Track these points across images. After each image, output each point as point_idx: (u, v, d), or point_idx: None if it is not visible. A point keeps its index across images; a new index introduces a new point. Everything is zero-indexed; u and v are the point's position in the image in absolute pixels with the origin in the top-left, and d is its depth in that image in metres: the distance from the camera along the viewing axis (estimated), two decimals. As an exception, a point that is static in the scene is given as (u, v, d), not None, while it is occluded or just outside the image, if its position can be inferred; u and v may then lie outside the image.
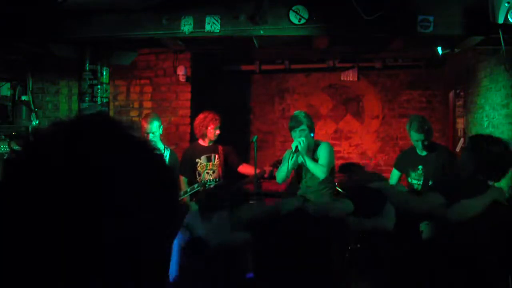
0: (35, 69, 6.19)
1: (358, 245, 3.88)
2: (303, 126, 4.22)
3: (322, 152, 4.25)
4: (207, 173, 4.94)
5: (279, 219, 3.07)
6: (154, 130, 4.78)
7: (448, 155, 4.65)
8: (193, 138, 6.37)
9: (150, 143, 0.71)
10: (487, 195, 2.86)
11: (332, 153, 4.32)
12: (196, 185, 4.75)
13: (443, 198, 2.90)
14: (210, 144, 4.99)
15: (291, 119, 4.35)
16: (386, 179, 5.26)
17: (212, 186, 4.77)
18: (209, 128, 4.91)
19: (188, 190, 4.76)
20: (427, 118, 4.98)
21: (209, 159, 4.96)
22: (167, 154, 4.97)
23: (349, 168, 6.59)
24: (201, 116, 4.98)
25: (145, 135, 4.78)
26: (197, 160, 4.96)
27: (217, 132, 4.93)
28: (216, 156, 4.99)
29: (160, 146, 4.89)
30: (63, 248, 0.60)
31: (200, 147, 5.01)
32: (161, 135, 4.93)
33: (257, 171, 4.88)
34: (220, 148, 5.04)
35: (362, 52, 6.78)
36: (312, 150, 4.29)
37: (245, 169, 5.12)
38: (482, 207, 2.81)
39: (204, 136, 4.97)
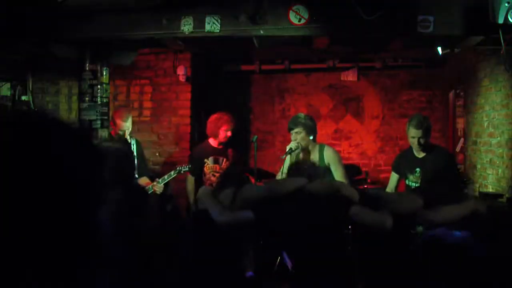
0: (35, 69, 6.18)
1: (350, 248, 3.86)
2: (298, 129, 4.20)
3: (334, 167, 4.21)
4: (213, 175, 4.89)
5: (279, 199, 3.05)
6: (129, 126, 4.91)
7: (446, 156, 4.56)
8: (193, 138, 6.37)
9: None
10: (468, 204, 3.02)
11: (341, 161, 4.32)
12: (172, 172, 4.79)
13: (421, 200, 3.04)
14: (220, 146, 4.96)
15: (290, 120, 4.37)
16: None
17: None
18: (222, 128, 4.89)
19: (166, 177, 4.82)
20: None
21: (216, 161, 4.92)
22: (133, 143, 4.99)
23: (348, 168, 6.57)
24: (216, 115, 4.97)
25: (122, 132, 4.84)
26: (205, 160, 4.93)
27: (229, 134, 4.91)
28: (224, 160, 4.95)
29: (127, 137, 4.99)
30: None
31: (209, 148, 4.98)
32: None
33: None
34: (230, 152, 4.99)
35: (362, 52, 6.78)
36: (314, 153, 4.26)
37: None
38: (464, 212, 2.95)
39: (215, 136, 4.95)
